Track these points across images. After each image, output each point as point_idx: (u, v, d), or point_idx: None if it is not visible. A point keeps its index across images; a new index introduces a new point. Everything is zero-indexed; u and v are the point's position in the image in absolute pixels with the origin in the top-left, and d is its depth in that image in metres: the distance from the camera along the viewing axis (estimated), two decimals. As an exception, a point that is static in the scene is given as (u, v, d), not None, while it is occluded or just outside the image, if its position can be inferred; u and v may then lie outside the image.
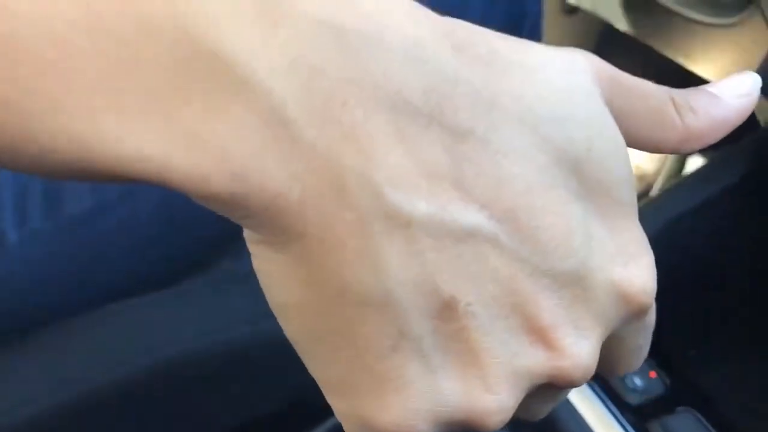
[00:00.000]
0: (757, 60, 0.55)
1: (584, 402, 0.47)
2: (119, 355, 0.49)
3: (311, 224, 0.17)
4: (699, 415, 0.45)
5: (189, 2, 0.16)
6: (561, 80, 0.20)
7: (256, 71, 0.16)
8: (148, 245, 0.51)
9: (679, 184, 0.68)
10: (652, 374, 0.48)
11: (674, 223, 0.62)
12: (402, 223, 0.18)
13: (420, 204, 0.18)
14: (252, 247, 0.19)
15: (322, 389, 0.21)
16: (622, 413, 0.46)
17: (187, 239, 0.54)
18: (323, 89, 0.17)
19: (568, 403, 0.47)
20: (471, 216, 0.18)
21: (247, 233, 0.19)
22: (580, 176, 0.20)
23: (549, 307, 0.20)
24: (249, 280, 0.57)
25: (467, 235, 0.18)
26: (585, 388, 0.48)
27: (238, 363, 0.53)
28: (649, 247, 0.22)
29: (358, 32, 0.17)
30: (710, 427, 0.44)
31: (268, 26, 0.16)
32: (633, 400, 0.47)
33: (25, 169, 0.17)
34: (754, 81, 0.24)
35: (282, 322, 0.20)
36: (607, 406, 0.47)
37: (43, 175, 0.17)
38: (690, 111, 0.22)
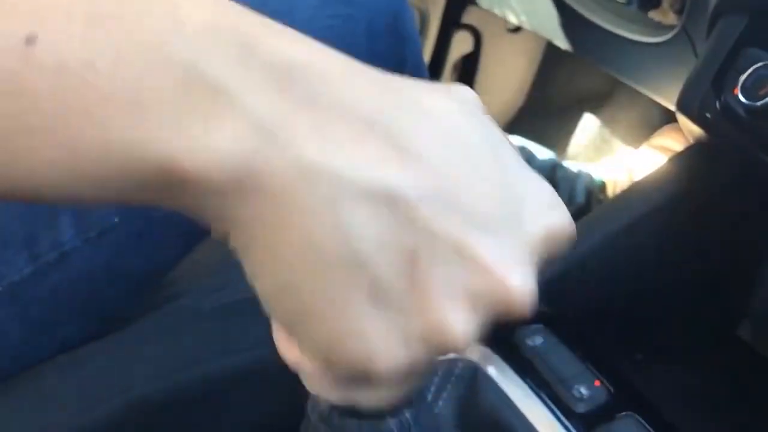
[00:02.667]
0: (683, 75, 0.58)
1: (534, 412, 0.49)
2: (84, 401, 0.50)
3: (286, 204, 0.22)
4: (641, 419, 0.47)
5: (189, 44, 0.22)
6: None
7: (242, 93, 0.22)
8: (86, 304, 0.52)
9: (618, 197, 0.71)
10: (597, 383, 0.50)
11: (618, 234, 0.64)
12: (360, 194, 0.22)
13: (367, 174, 0.22)
14: (229, 233, 0.24)
15: (307, 353, 0.25)
16: (570, 421, 0.48)
17: (123, 298, 0.55)
18: (294, 104, 0.22)
19: (518, 413, 0.49)
20: (415, 184, 0.23)
21: (219, 227, 0.24)
22: (502, 160, 0.25)
23: (491, 248, 0.24)
24: (209, 316, 0.57)
25: (417, 200, 0.23)
26: (534, 399, 0.49)
27: (204, 397, 0.53)
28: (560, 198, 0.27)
29: (319, 68, 0.23)
30: (651, 430, 0.46)
31: (248, 63, 0.22)
32: (580, 408, 0.49)
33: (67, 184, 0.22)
34: None
35: (265, 295, 0.24)
36: (555, 415, 0.48)
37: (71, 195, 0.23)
38: None
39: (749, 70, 0.51)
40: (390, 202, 0.22)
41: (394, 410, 0.33)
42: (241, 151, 0.22)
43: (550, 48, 1.26)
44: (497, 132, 0.26)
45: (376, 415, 0.33)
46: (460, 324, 0.24)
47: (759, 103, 0.50)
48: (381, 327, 0.23)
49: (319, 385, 0.28)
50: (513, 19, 0.95)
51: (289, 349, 0.27)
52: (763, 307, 0.70)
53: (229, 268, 0.64)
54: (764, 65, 0.51)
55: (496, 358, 0.52)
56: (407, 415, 0.34)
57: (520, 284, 0.24)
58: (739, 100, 0.51)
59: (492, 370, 0.51)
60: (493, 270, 0.24)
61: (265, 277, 0.24)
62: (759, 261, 0.69)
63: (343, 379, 0.26)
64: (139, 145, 0.21)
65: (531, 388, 0.50)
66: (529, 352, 0.52)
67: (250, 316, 0.59)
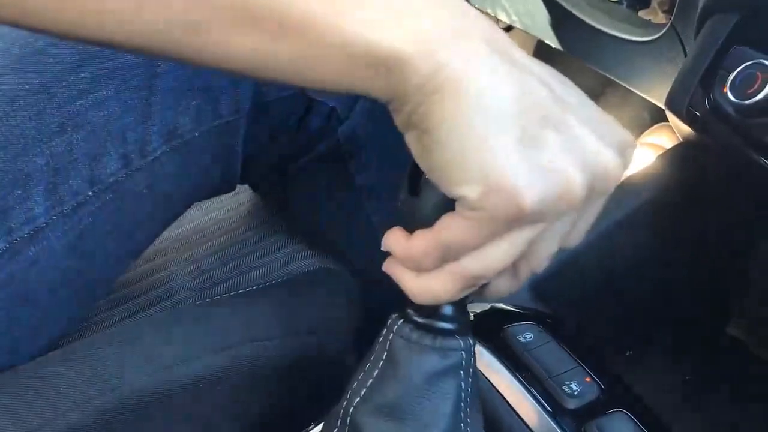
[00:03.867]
0: (673, 74, 0.58)
1: (525, 408, 0.49)
2: (86, 391, 0.50)
3: (467, 79, 0.32)
4: (631, 415, 0.47)
5: None
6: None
7: (434, 7, 0.34)
8: (63, 280, 0.51)
9: (612, 195, 0.71)
10: (588, 379, 0.50)
11: (609, 231, 0.65)
12: (510, 83, 0.33)
13: (516, 76, 0.33)
14: (418, 107, 0.33)
15: (469, 191, 0.33)
16: (561, 417, 0.48)
17: (99, 275, 0.55)
18: (471, 24, 0.34)
19: (510, 409, 0.49)
20: (540, 89, 0.34)
21: (408, 103, 0.33)
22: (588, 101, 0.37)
23: (595, 137, 0.34)
24: (208, 313, 0.57)
25: (543, 96, 0.34)
26: (526, 395, 0.50)
27: (206, 391, 0.53)
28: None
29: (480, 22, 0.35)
30: (641, 426, 0.47)
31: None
32: (571, 404, 0.49)
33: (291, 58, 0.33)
34: None
35: (446, 145, 0.33)
36: (546, 411, 0.49)
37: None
38: None
39: (738, 69, 0.52)
40: (527, 90, 0.33)
41: (463, 331, 0.38)
42: (437, 41, 0.32)
43: (541, 47, 1.26)
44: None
45: (448, 332, 0.38)
46: (577, 174, 0.33)
47: (748, 102, 0.51)
48: (525, 163, 0.32)
49: (427, 288, 0.35)
50: (504, 18, 0.95)
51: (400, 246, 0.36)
52: (754, 305, 0.71)
53: (223, 266, 0.64)
54: (753, 64, 0.51)
55: (488, 354, 0.52)
56: (469, 339, 0.38)
57: (617, 164, 0.35)
58: (729, 99, 0.52)
59: (484, 367, 0.51)
60: (598, 150, 0.34)
61: (445, 132, 0.33)
62: (748, 258, 0.70)
63: (483, 231, 0.34)
64: (369, 35, 0.32)
65: (522, 384, 0.50)
66: (521, 349, 0.52)
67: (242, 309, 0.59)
